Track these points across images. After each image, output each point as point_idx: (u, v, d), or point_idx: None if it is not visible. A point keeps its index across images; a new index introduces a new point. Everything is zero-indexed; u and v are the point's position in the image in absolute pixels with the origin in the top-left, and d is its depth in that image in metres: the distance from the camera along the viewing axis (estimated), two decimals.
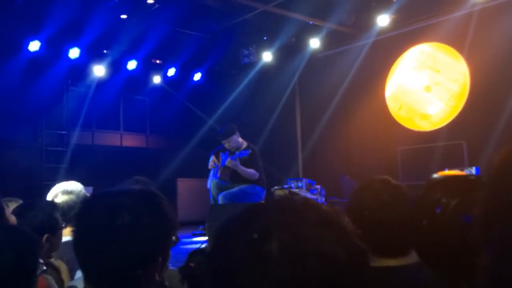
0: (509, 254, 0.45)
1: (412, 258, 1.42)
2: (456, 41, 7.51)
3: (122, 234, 1.07)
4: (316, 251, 0.62)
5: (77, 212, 1.16)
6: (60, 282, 1.88)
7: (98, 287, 1.10)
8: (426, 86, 8.00)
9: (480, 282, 0.48)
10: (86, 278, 1.13)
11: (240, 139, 5.67)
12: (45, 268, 1.50)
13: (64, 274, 1.94)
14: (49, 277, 1.72)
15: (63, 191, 2.37)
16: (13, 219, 1.73)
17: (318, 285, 0.61)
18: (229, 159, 5.40)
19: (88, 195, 2.45)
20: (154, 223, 1.11)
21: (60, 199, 2.34)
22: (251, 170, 5.46)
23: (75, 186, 2.43)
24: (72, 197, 2.35)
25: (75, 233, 1.13)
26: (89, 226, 1.11)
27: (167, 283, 1.64)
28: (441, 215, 0.96)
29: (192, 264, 1.29)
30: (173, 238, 1.19)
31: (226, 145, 5.64)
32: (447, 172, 1.08)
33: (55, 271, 1.92)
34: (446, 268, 0.94)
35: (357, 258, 0.65)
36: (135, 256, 1.07)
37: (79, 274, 1.85)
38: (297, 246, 0.62)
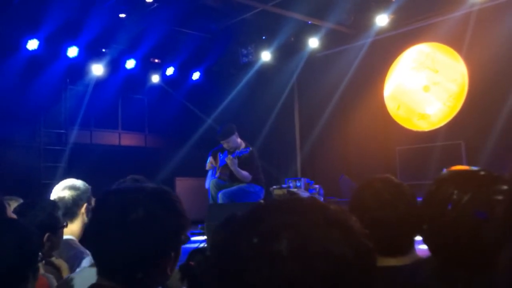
0: None
1: (413, 257, 1.43)
2: (454, 41, 7.52)
3: (136, 229, 1.09)
4: (324, 251, 0.63)
5: (92, 207, 1.18)
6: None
7: (111, 280, 1.11)
8: (425, 86, 8.01)
9: (501, 277, 0.49)
10: (100, 271, 1.14)
11: (239, 140, 5.68)
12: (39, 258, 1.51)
13: (65, 273, 1.95)
14: (50, 276, 1.73)
15: (70, 186, 2.40)
16: (14, 217, 1.73)
17: (327, 285, 0.62)
18: (229, 156, 5.41)
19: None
20: (168, 219, 1.13)
21: (66, 193, 2.36)
22: (245, 173, 5.48)
23: (82, 184, 2.45)
24: (78, 193, 2.37)
25: (90, 227, 1.15)
26: (105, 220, 1.12)
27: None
28: (453, 211, 0.96)
29: (192, 263, 1.30)
30: (183, 237, 1.20)
31: (225, 145, 5.65)
32: (456, 168, 1.07)
33: (56, 269, 1.93)
34: (459, 263, 0.95)
35: (365, 257, 0.66)
36: (149, 251, 1.09)
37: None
38: (305, 246, 0.63)
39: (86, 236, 1.20)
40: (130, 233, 1.08)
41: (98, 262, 1.15)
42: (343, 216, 0.69)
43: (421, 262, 1.24)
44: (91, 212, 1.17)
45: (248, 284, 0.63)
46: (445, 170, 1.08)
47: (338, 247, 0.64)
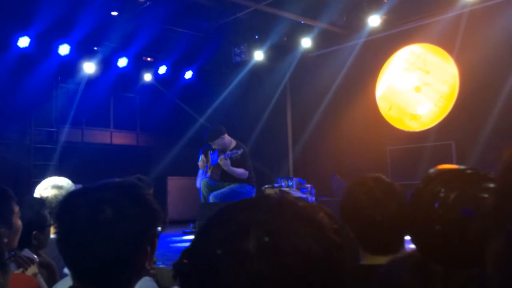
0: None
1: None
2: (446, 43, 7.57)
3: (107, 228, 1.05)
4: (292, 247, 0.63)
5: (58, 210, 1.14)
6: (50, 280, 1.86)
7: (87, 284, 1.08)
8: (416, 87, 8.06)
9: (490, 270, 0.50)
10: (74, 276, 1.11)
11: (228, 140, 5.64)
12: (12, 258, 1.49)
13: (55, 272, 1.93)
14: (38, 275, 1.71)
15: (53, 186, 2.36)
16: (19, 223, 1.72)
17: (295, 281, 0.62)
18: (222, 157, 5.39)
19: None
20: (138, 214, 1.10)
21: (49, 192, 2.32)
22: (241, 170, 5.46)
23: (66, 182, 2.42)
24: (62, 192, 2.33)
25: (58, 232, 1.11)
26: (73, 223, 1.08)
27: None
28: (439, 209, 0.97)
29: (186, 261, 1.29)
30: (159, 228, 1.18)
31: (214, 146, 5.64)
32: (444, 166, 1.09)
33: (45, 269, 1.90)
34: (446, 261, 0.96)
35: (333, 253, 0.66)
36: (123, 250, 1.06)
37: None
38: (273, 244, 0.63)
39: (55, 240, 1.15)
40: (100, 234, 1.04)
41: (71, 267, 1.11)
42: (311, 212, 0.69)
43: (398, 259, 1.26)
44: (57, 215, 1.13)
45: (218, 283, 0.64)
46: (432, 169, 1.09)
47: (306, 243, 0.64)
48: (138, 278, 1.14)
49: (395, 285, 1.07)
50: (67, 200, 1.15)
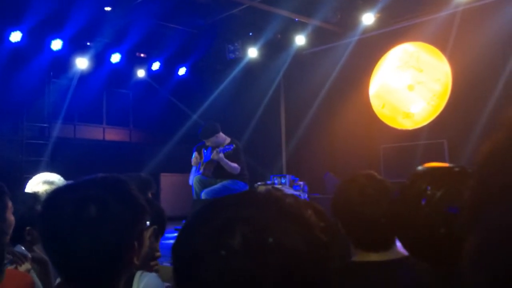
0: (495, 232, 0.46)
1: (395, 252, 1.44)
2: (439, 41, 7.61)
3: (91, 226, 1.04)
4: (277, 245, 0.63)
5: (42, 208, 1.12)
6: (44, 276, 1.86)
7: (75, 281, 1.07)
8: (409, 85, 8.09)
9: (465, 265, 0.51)
10: (61, 273, 1.10)
11: (222, 138, 5.63)
12: (11, 258, 1.49)
13: (48, 269, 1.92)
14: (31, 271, 1.71)
15: (45, 181, 2.36)
16: (12, 218, 1.72)
17: (280, 278, 0.62)
18: (215, 151, 5.39)
19: None
20: (124, 210, 1.08)
21: (40, 188, 2.32)
22: (234, 164, 5.46)
23: (57, 178, 2.41)
24: (53, 187, 2.32)
25: (43, 229, 1.10)
26: (57, 221, 1.07)
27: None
28: (426, 207, 0.97)
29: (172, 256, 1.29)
30: (147, 222, 1.17)
31: (208, 144, 5.64)
32: (432, 164, 1.09)
33: (38, 265, 1.89)
34: (433, 259, 0.96)
35: (318, 251, 0.66)
36: (109, 247, 1.05)
37: None
38: (259, 240, 0.63)
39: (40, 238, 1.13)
40: (85, 232, 1.03)
41: (56, 264, 1.10)
42: (298, 209, 0.69)
43: (402, 258, 1.26)
44: (40, 213, 1.11)
45: (203, 279, 0.63)
46: (420, 167, 1.10)
47: (292, 240, 0.64)
48: (127, 273, 1.13)
49: (405, 284, 1.07)
50: (52, 197, 1.13)
